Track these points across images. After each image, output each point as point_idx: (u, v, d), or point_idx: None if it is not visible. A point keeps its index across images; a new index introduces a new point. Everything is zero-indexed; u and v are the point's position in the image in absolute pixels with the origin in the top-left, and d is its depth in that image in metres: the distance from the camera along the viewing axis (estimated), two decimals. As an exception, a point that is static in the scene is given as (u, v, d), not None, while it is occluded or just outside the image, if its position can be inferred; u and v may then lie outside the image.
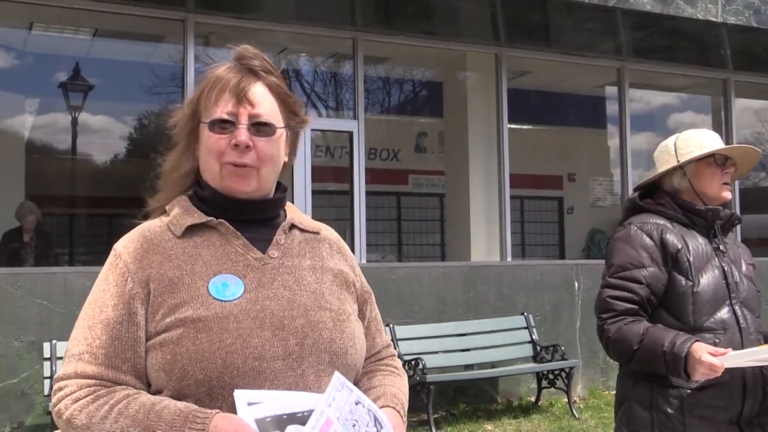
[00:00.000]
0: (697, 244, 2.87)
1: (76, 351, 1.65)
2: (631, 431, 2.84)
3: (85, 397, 1.59)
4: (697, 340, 2.60)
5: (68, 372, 1.63)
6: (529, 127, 13.07)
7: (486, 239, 10.42)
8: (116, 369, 1.63)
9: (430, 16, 9.31)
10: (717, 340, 2.69)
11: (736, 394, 2.74)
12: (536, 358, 8.48)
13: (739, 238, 11.26)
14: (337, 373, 1.56)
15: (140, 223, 1.82)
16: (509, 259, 9.96)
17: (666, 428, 2.74)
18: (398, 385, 1.90)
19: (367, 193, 9.44)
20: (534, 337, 8.58)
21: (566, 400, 8.31)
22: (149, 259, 1.70)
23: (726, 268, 2.87)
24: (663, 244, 2.84)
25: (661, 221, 2.90)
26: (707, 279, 2.81)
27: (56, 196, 11.45)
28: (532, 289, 8.93)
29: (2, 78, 8.79)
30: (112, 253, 1.75)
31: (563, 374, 8.27)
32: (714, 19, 9.65)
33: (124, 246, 1.75)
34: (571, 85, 12.61)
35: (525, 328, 8.62)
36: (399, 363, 2.01)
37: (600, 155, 13.83)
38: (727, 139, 11.73)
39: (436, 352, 8.05)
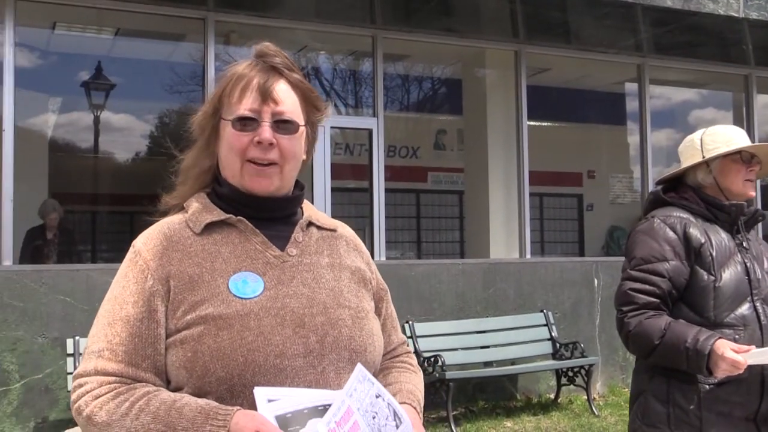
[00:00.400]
0: (720, 239, 2.85)
1: (95, 348, 1.65)
2: (646, 424, 2.82)
3: (105, 394, 1.59)
4: (720, 337, 2.58)
5: (88, 369, 1.63)
6: (549, 124, 13.03)
7: (505, 236, 10.40)
8: (136, 366, 1.63)
9: (449, 13, 9.29)
10: (737, 336, 2.67)
11: (754, 391, 2.72)
12: (556, 355, 8.45)
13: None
14: (359, 365, 1.55)
15: (159, 220, 1.82)
16: (528, 256, 9.93)
17: (682, 423, 2.72)
18: (414, 381, 1.90)
19: (387, 191, 9.44)
20: (553, 334, 8.55)
21: (586, 397, 8.28)
22: (169, 256, 1.70)
23: (748, 264, 2.85)
24: (686, 238, 2.81)
25: (685, 215, 2.88)
26: (729, 274, 2.79)
27: (79, 194, 11.53)
28: (551, 287, 8.90)
29: (26, 77, 8.84)
30: (132, 249, 1.75)
31: (583, 371, 8.24)
32: (736, 15, 9.58)
33: (144, 243, 1.75)
34: (591, 81, 12.55)
35: (544, 325, 8.59)
36: (414, 360, 2.01)
37: (620, 152, 13.76)
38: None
39: (456, 349, 8.04)
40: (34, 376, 6.86)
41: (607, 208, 13.92)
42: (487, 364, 8.34)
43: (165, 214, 1.85)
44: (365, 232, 9.15)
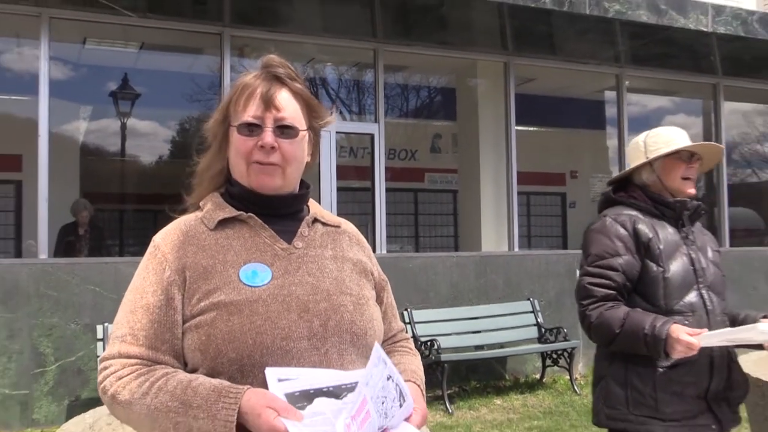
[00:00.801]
0: (666, 233, 2.85)
1: (119, 333, 1.66)
2: (607, 406, 2.81)
3: (128, 375, 1.60)
4: (675, 322, 2.59)
5: (112, 352, 1.64)
6: (535, 129, 13.01)
7: (495, 231, 10.40)
8: (156, 349, 1.63)
9: (444, 27, 9.28)
10: (686, 322, 2.66)
11: (704, 371, 2.72)
12: (541, 339, 8.46)
13: (730, 228, 11.19)
14: (376, 346, 1.55)
15: (177, 218, 1.83)
16: (516, 249, 9.93)
17: (639, 404, 2.72)
18: (416, 363, 1.91)
19: (387, 190, 9.44)
20: (539, 320, 8.56)
21: (568, 377, 8.29)
22: (185, 249, 1.71)
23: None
24: (636, 234, 2.82)
25: (634, 213, 2.89)
26: (676, 265, 2.79)
27: (107, 194, 11.53)
28: (537, 277, 8.90)
29: (59, 88, 8.84)
30: (152, 244, 1.76)
31: (565, 354, 8.25)
32: (705, 29, 9.57)
33: (162, 238, 1.76)
34: (574, 90, 12.53)
35: (531, 312, 8.60)
36: (413, 344, 2.02)
37: (600, 154, 13.73)
38: (716, 139, 11.64)
39: (450, 334, 8.04)
40: (68, 359, 6.87)
41: (588, 206, 13.87)
42: (479, 347, 8.35)
43: (184, 211, 1.86)
44: (367, 228, 9.15)
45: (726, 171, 11.66)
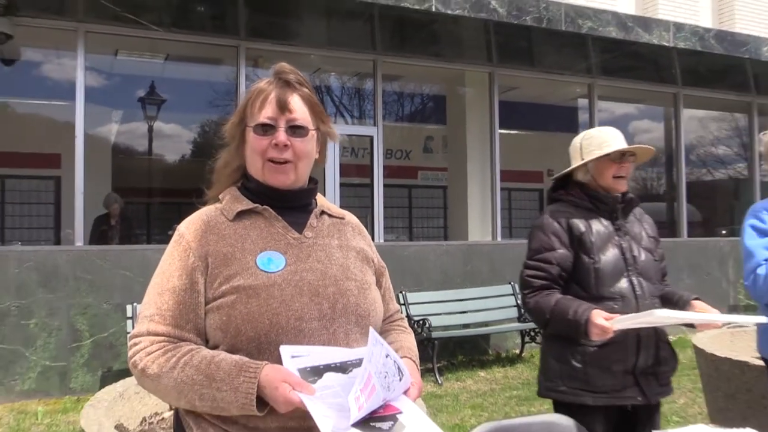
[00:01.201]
0: (599, 226, 2.84)
1: (147, 313, 1.66)
2: (546, 380, 2.84)
3: (156, 351, 1.60)
4: (594, 308, 2.58)
5: (141, 330, 1.64)
6: (516, 132, 13.01)
7: (480, 223, 10.41)
8: (181, 328, 1.63)
9: (435, 41, 9.27)
10: (615, 306, 2.67)
11: (631, 349, 2.72)
12: (520, 318, 8.47)
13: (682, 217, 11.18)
14: (371, 330, 1.55)
15: (199, 209, 1.82)
16: (499, 239, 9.94)
17: (572, 378, 2.74)
18: (410, 340, 1.92)
19: (385, 186, 9.44)
20: (519, 302, 8.56)
21: (545, 352, 8.29)
22: (207, 238, 1.71)
23: (625, 245, 2.84)
24: (569, 229, 2.81)
25: (570, 209, 2.88)
26: (607, 256, 2.78)
27: (136, 189, 11.52)
28: (517, 263, 8.76)
29: (94, 94, 8.83)
30: (177, 233, 1.76)
31: (542, 332, 8.24)
32: (667, 44, 9.58)
33: (186, 227, 1.75)
34: (551, 97, 12.53)
35: (511, 294, 8.60)
36: (407, 323, 2.02)
37: (573, 155, 13.72)
38: (676, 142, 11.68)
39: (440, 314, 8.05)
40: (101, 335, 6.88)
41: (562, 200, 13.92)
42: (465, 326, 8.35)
43: (205, 204, 1.85)
44: (367, 220, 9.16)
45: (685, 170, 11.68)
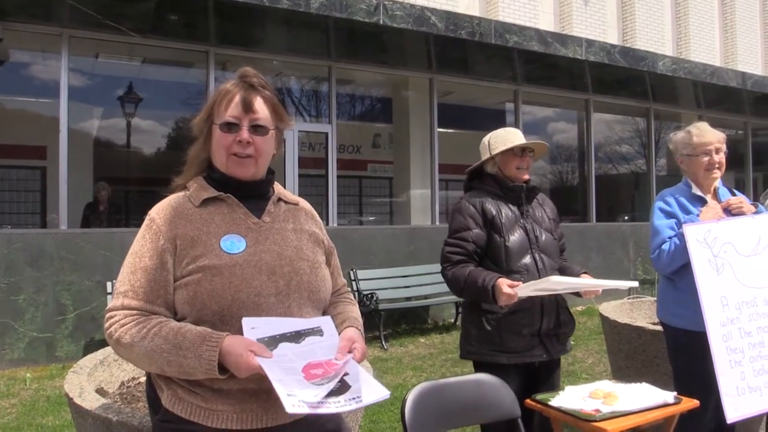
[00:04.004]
0: (508, 211, 2.90)
1: (122, 290, 1.63)
2: (467, 343, 2.88)
3: (129, 323, 1.57)
4: (500, 277, 2.65)
5: (116, 305, 1.62)
6: (453, 130, 13.05)
7: (421, 209, 10.47)
8: (152, 303, 1.61)
9: (383, 51, 9.25)
10: (522, 279, 2.73)
11: (536, 314, 2.80)
12: (455, 291, 8.54)
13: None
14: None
15: (167, 196, 1.78)
16: (437, 223, 10.01)
17: (488, 341, 2.79)
18: (355, 311, 1.91)
19: (338, 177, 9.40)
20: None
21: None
22: (175, 222, 1.68)
23: (529, 227, 2.90)
24: (483, 212, 2.86)
25: (483, 196, 2.93)
26: (515, 236, 2.85)
27: (116, 178, 11.21)
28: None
29: (76, 93, 8.54)
30: (148, 217, 1.73)
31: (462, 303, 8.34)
32: (580, 58, 9.74)
33: (157, 212, 1.72)
34: (482, 101, 12.61)
35: (448, 271, 8.66)
36: (352, 296, 2.02)
37: (501, 151, 13.82)
38: (587, 141, 11.90)
39: (386, 288, 8.09)
40: (84, 309, 6.71)
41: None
42: (408, 298, 8.41)
43: (173, 191, 1.81)
44: (322, 206, 9.11)
45: (594, 166, 11.93)
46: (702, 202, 3.12)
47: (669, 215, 3.10)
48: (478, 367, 2.84)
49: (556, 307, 2.87)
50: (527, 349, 2.79)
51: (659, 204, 3.16)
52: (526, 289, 2.59)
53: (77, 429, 2.42)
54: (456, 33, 8.56)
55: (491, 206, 2.87)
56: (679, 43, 13.84)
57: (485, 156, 2.99)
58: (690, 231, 2.86)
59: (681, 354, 3.07)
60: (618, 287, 2.70)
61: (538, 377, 2.87)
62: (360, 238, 8.38)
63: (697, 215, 3.03)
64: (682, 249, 2.91)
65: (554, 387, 2.86)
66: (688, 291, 2.94)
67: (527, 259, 2.83)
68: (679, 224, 3.01)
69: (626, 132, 13.52)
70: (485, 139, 3.02)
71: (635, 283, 2.74)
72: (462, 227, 2.84)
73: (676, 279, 3.07)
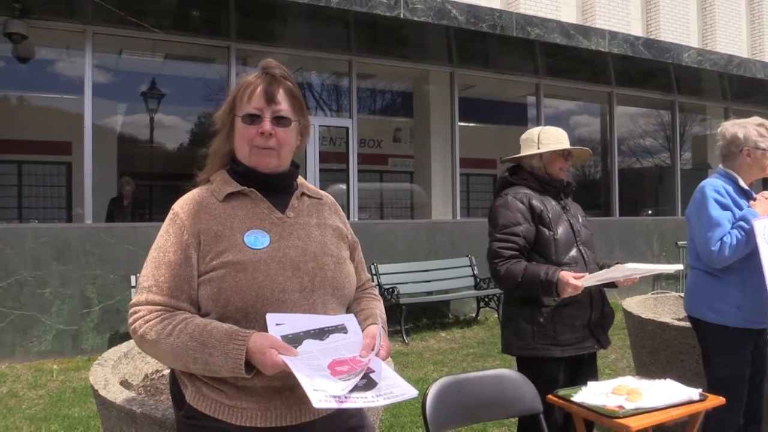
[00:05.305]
0: (551, 205, 2.91)
1: (146, 284, 1.62)
2: (518, 339, 2.84)
3: (154, 319, 1.57)
4: (562, 269, 2.66)
5: (140, 300, 1.61)
6: (474, 124, 12.99)
7: (442, 203, 10.44)
8: (176, 298, 1.60)
9: (403, 44, 9.22)
10: (571, 271, 2.71)
11: (586, 306, 2.82)
12: (476, 286, 8.53)
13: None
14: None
15: (191, 190, 1.77)
16: (459, 217, 9.98)
17: (542, 335, 2.78)
18: (379, 307, 1.89)
19: (359, 171, 9.41)
20: (475, 272, 8.62)
21: (497, 315, 8.38)
22: (199, 217, 1.66)
23: (571, 221, 2.93)
24: (531, 207, 2.86)
25: (527, 191, 2.92)
26: (561, 229, 2.86)
27: (139, 173, 11.33)
28: (474, 239, 8.94)
29: (100, 89, 8.64)
30: (172, 211, 1.71)
31: (495, 297, 8.33)
32: (603, 50, 9.63)
33: (181, 207, 1.71)
34: (503, 94, 12.54)
35: (469, 266, 8.66)
36: (377, 291, 1.99)
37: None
38: (610, 135, 11.77)
39: (407, 283, 8.08)
40: (108, 302, 6.80)
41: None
42: (429, 293, 8.39)
43: (196, 185, 1.80)
44: (343, 201, 9.12)
45: (617, 159, 11.80)
46: (747, 195, 3.06)
47: (725, 207, 2.99)
48: (525, 363, 2.82)
49: (601, 297, 2.91)
50: (580, 341, 2.81)
51: (712, 195, 3.01)
52: (592, 280, 2.61)
53: (102, 420, 2.45)
54: (477, 26, 8.50)
55: (537, 201, 2.88)
56: (705, 35, 13.61)
57: (532, 148, 2.98)
58: (758, 225, 2.84)
59: (718, 351, 3.01)
60: (666, 271, 2.74)
61: (580, 370, 2.88)
62: (381, 233, 8.38)
63: (748, 207, 2.97)
64: (745, 241, 2.85)
65: (596, 378, 2.86)
66: (734, 286, 2.92)
67: (574, 252, 2.85)
68: (734, 216, 2.96)
69: (650, 125, 13.34)
70: (534, 133, 3.02)
71: (680, 266, 2.73)
72: (511, 222, 2.83)
73: (721, 274, 3.00)
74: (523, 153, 3.02)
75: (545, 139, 2.96)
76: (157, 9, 7.42)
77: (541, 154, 2.97)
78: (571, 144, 3.04)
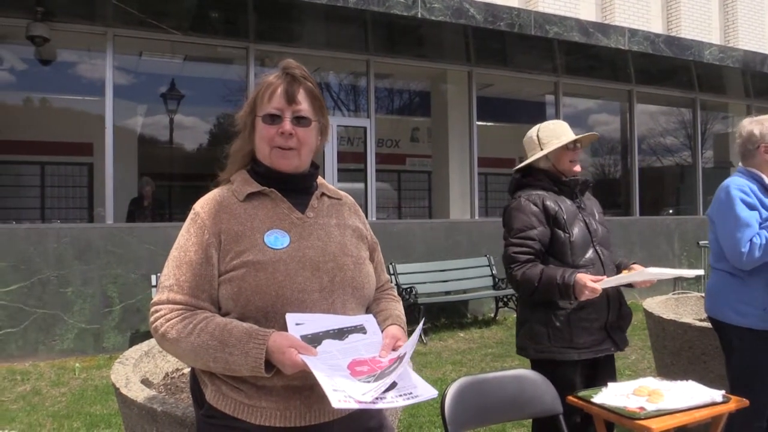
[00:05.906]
0: (566, 205, 2.85)
1: (167, 284, 1.63)
2: (534, 342, 2.81)
3: (175, 318, 1.57)
4: (579, 272, 2.61)
5: (162, 299, 1.62)
6: (491, 124, 12.94)
7: (460, 203, 10.41)
8: (197, 297, 1.61)
9: (421, 44, 9.21)
10: (589, 273, 2.68)
11: (603, 308, 2.77)
12: (495, 286, 8.50)
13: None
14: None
15: (212, 190, 1.78)
16: (477, 217, 9.94)
17: (558, 338, 2.74)
18: (398, 308, 1.88)
19: (377, 171, 9.42)
20: (493, 272, 8.59)
21: (515, 315, 8.31)
22: (220, 217, 1.67)
23: (587, 220, 2.87)
24: (545, 209, 2.81)
25: (541, 192, 2.87)
26: (577, 230, 2.81)
27: (159, 173, 11.43)
28: (493, 238, 8.90)
29: (122, 91, 8.74)
30: (192, 211, 1.72)
31: (514, 298, 8.29)
32: (622, 48, 9.54)
33: (201, 207, 1.72)
34: (522, 93, 12.48)
35: (487, 265, 8.62)
36: (396, 292, 1.99)
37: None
38: (630, 133, 11.67)
39: (425, 283, 8.07)
40: (129, 301, 6.87)
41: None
42: (447, 293, 8.37)
43: (218, 185, 1.81)
44: (361, 201, 9.13)
45: (637, 158, 11.69)
46: None
47: (752, 207, 2.93)
48: (541, 365, 2.77)
49: (618, 298, 2.86)
50: (597, 343, 2.76)
51: (738, 194, 2.94)
52: (612, 282, 2.57)
53: (123, 418, 2.48)
54: (495, 25, 8.46)
55: (551, 203, 2.82)
56: (727, 31, 13.43)
57: (535, 150, 2.93)
58: None
59: (742, 353, 2.96)
60: (687, 275, 2.69)
61: (597, 371, 2.84)
62: (399, 233, 8.38)
63: None
64: None
65: (614, 380, 2.82)
66: (759, 288, 2.87)
67: (590, 253, 2.80)
68: (761, 216, 2.90)
69: (671, 123, 13.20)
70: (532, 134, 2.96)
71: (701, 272, 2.71)
72: (526, 226, 2.78)
73: (745, 276, 2.94)
74: (530, 158, 2.96)
75: (545, 137, 2.91)
76: (177, 11, 7.49)
77: (546, 154, 2.91)
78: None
